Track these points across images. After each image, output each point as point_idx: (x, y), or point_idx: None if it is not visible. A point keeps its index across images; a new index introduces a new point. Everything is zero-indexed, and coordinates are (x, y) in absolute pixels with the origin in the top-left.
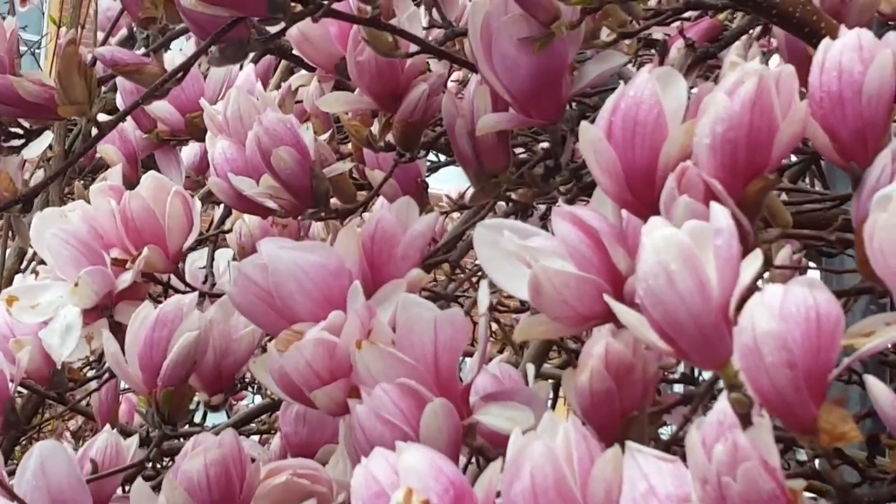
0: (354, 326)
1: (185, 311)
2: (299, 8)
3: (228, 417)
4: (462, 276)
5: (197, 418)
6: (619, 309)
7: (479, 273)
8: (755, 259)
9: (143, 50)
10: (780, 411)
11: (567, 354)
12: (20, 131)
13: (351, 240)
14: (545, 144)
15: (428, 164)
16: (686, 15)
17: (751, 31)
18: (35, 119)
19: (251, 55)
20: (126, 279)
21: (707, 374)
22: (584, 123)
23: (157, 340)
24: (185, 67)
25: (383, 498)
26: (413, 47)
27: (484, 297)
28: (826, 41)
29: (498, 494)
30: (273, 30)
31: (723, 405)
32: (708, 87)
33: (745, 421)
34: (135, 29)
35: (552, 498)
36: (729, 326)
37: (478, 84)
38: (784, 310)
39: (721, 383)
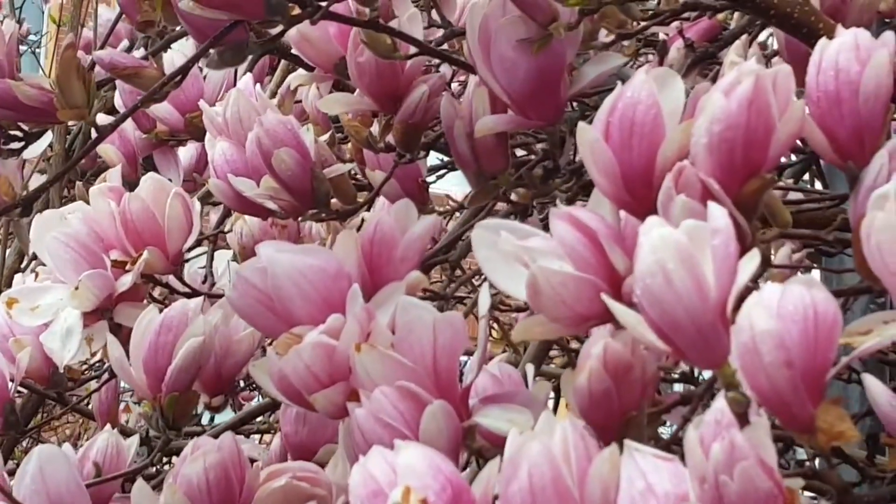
0: (353, 329)
1: (189, 315)
2: (297, 10)
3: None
4: (462, 276)
5: (204, 419)
6: (616, 309)
7: (481, 274)
8: (752, 258)
9: (141, 51)
10: (778, 410)
11: (567, 355)
12: (19, 134)
13: (350, 243)
14: (541, 145)
15: (430, 166)
16: (685, 15)
17: (749, 31)
18: (34, 123)
19: (248, 58)
20: (126, 282)
21: (707, 374)
22: (581, 124)
23: (162, 345)
24: (184, 71)
25: (381, 497)
26: (412, 49)
27: (485, 300)
28: (823, 41)
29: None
30: (271, 32)
31: (720, 404)
32: (705, 86)
33: (743, 420)
34: (137, 41)
35: (549, 497)
36: (726, 326)
37: (476, 86)
38: (782, 309)
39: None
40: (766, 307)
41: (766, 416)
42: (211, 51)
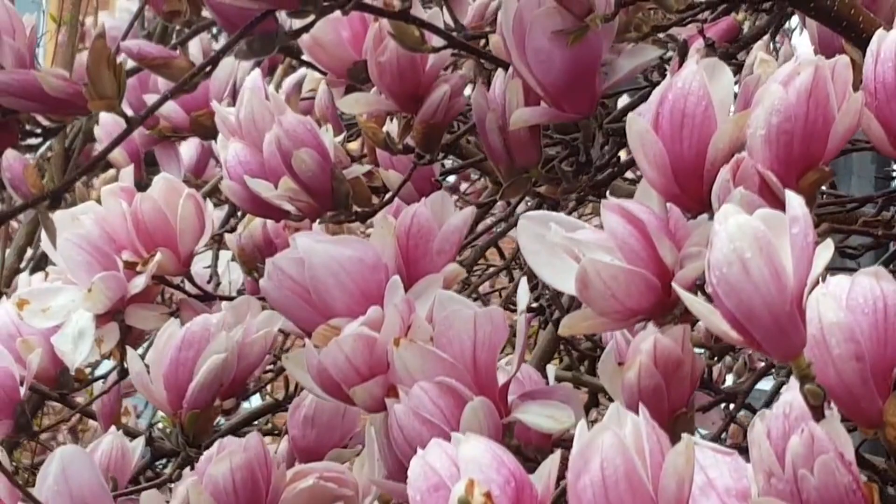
0: (394, 322)
1: (212, 331)
2: (329, 1)
3: None
4: (475, 280)
5: None
6: (688, 299)
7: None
8: (827, 249)
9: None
10: (846, 404)
11: (570, 358)
12: (37, 129)
13: (387, 234)
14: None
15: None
16: (702, 13)
17: (768, 31)
18: (59, 115)
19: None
20: (138, 284)
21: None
22: (631, 115)
23: (184, 361)
24: (214, 61)
25: (442, 490)
26: (437, 43)
27: (523, 295)
28: (880, 32)
29: (556, 486)
30: (299, 23)
31: (789, 397)
32: (753, 78)
33: (818, 413)
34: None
35: (623, 491)
36: (803, 317)
37: (509, 77)
38: (851, 301)
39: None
40: (834, 299)
41: (836, 410)
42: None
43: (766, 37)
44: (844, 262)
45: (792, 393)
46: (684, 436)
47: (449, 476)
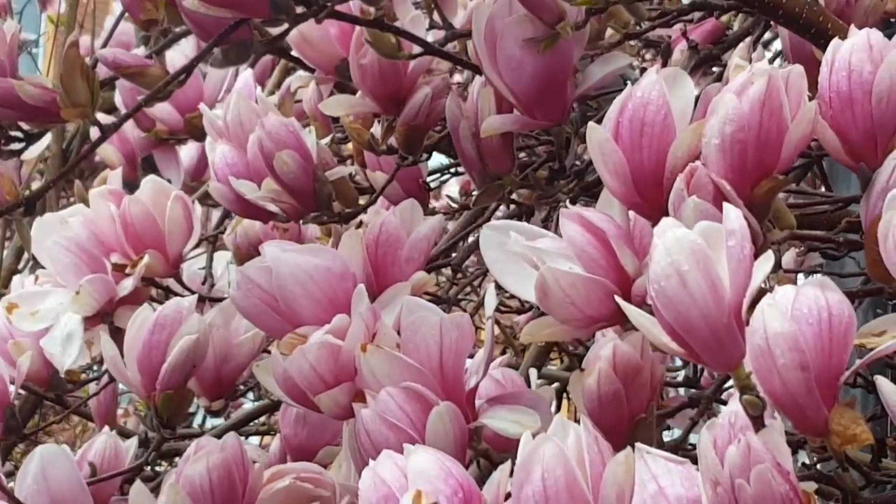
0: (359, 330)
1: (183, 314)
2: (302, 9)
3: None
4: (464, 279)
5: (197, 421)
6: (630, 311)
7: (482, 277)
8: (767, 260)
9: (141, 49)
10: (792, 413)
11: (570, 358)
12: (20, 134)
13: (355, 243)
14: (543, 148)
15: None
16: (689, 16)
17: (753, 33)
18: (36, 122)
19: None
20: (127, 286)
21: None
22: (591, 124)
23: (156, 343)
24: (188, 70)
25: (392, 501)
26: (416, 49)
27: (491, 300)
28: (835, 41)
29: (507, 497)
30: (275, 31)
31: (734, 407)
32: (715, 87)
33: (758, 423)
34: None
35: (563, 500)
36: (741, 328)
37: (482, 85)
38: (796, 311)
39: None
40: (779, 309)
41: (780, 419)
42: (215, 49)
43: (749, 39)
44: (831, 264)
45: (737, 402)
46: (637, 445)
47: (398, 487)
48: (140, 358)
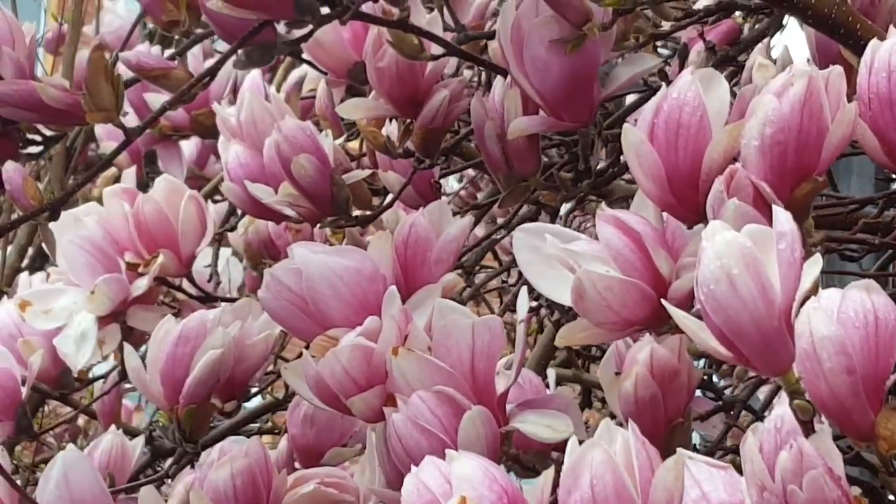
0: (391, 332)
1: (208, 327)
2: (326, 10)
3: None
4: (476, 282)
5: None
6: (676, 314)
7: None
8: (815, 263)
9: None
10: (838, 417)
11: (567, 353)
12: (38, 137)
13: (385, 244)
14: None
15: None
16: (713, 17)
17: (768, 34)
18: (58, 125)
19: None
20: (141, 286)
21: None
22: (626, 125)
23: (180, 357)
24: (213, 72)
25: None
26: (436, 50)
27: (523, 303)
28: (874, 42)
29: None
30: (298, 33)
31: (780, 411)
32: (749, 89)
33: (808, 428)
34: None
35: None
36: (791, 332)
37: (507, 86)
38: (842, 314)
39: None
40: (825, 312)
41: (828, 424)
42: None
43: (766, 39)
44: (844, 265)
45: (783, 406)
46: (679, 450)
47: (442, 493)
48: (164, 371)
